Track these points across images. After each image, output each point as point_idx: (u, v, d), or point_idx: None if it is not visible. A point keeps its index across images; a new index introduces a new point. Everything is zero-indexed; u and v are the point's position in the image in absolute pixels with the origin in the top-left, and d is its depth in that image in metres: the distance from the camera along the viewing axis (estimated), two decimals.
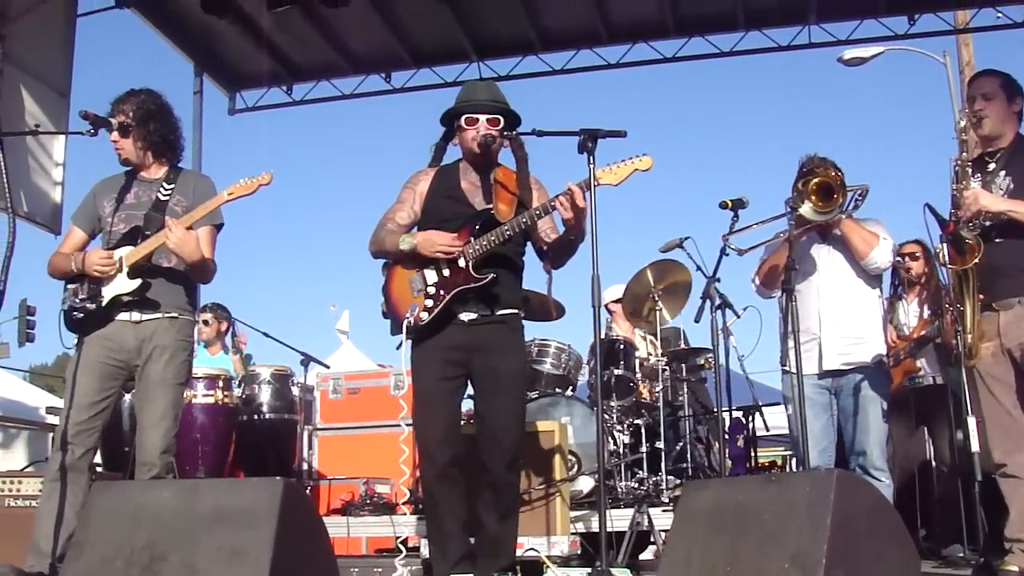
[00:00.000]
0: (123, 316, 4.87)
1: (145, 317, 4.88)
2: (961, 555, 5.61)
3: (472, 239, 4.72)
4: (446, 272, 4.74)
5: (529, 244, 5.00)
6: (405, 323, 4.74)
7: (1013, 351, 4.72)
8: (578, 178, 4.52)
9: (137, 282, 4.84)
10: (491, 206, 4.81)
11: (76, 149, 8.51)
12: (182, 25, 9.78)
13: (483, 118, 4.87)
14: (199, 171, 5.48)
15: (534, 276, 5.05)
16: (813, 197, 5.34)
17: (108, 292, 4.87)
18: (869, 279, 5.61)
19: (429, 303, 4.73)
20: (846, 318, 5.52)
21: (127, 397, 6.20)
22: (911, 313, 6.77)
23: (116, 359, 4.84)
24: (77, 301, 4.90)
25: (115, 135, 4.99)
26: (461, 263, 4.70)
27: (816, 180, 5.34)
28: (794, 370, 5.21)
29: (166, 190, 5.02)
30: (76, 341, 4.89)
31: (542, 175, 4.99)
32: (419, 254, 4.76)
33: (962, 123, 4.87)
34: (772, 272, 5.63)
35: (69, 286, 4.98)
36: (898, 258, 6.45)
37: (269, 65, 10.34)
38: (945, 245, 4.81)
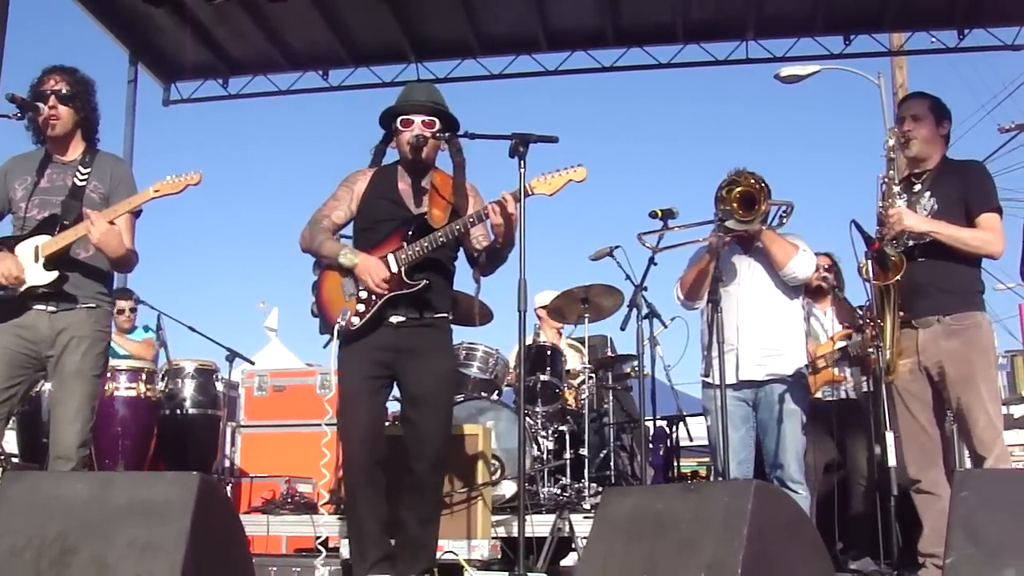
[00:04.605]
0: (39, 306, 4.75)
1: (62, 308, 4.77)
2: (874, 568, 5.68)
3: (405, 244, 4.72)
4: None
5: (461, 250, 5.00)
6: (337, 327, 4.73)
7: (930, 368, 4.79)
8: (512, 181, 4.54)
9: (54, 274, 4.73)
10: (425, 211, 4.81)
11: (1, 133, 8.34)
12: (119, 12, 9.64)
13: (418, 119, 4.86)
14: (119, 156, 5.35)
15: (465, 280, 5.06)
16: (735, 205, 5.38)
17: (20, 284, 4.74)
18: (788, 291, 5.66)
19: (361, 308, 4.72)
20: (764, 329, 5.57)
21: (47, 387, 6.09)
22: (827, 319, 6.82)
23: (29, 348, 4.73)
24: None
25: (52, 100, 4.85)
26: (394, 268, 4.69)
27: (739, 190, 5.39)
28: (716, 382, 5.24)
29: (82, 174, 4.90)
30: None
31: (475, 178, 5.00)
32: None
33: (890, 142, 4.94)
34: (695, 284, 5.68)
35: None
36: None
37: (205, 57, 10.25)
38: (870, 262, 4.87)
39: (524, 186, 4.55)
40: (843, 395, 6.70)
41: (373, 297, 4.71)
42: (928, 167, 5.02)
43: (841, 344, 6.56)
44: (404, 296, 4.72)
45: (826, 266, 6.85)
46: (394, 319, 4.74)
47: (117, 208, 4.78)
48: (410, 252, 4.70)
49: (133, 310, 8.25)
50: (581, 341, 8.09)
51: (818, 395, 6.59)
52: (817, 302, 6.89)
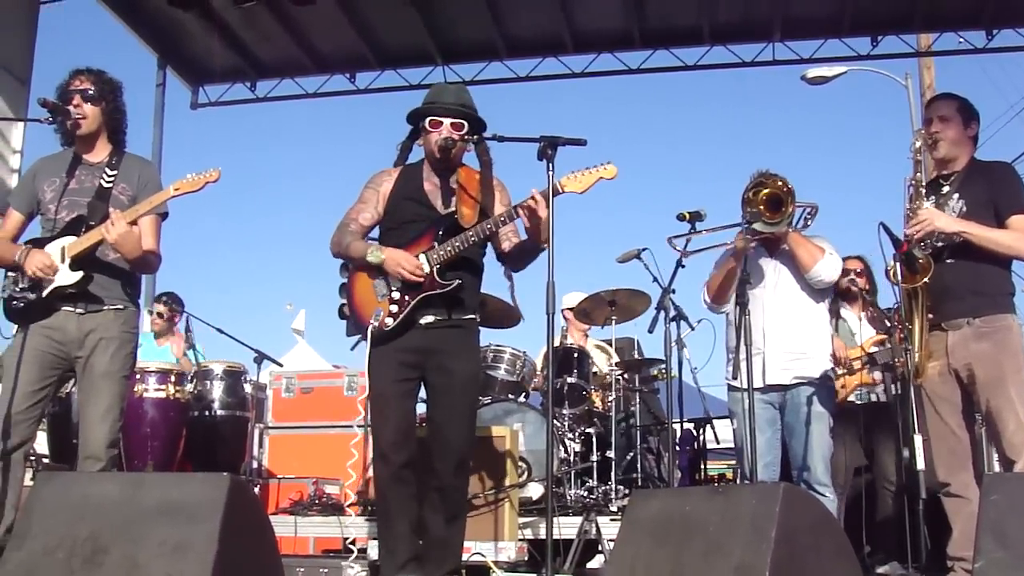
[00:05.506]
0: (67, 307, 4.78)
1: (90, 309, 4.80)
2: (902, 572, 5.65)
3: (436, 244, 4.73)
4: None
5: (489, 247, 5.00)
6: (370, 328, 4.72)
7: (960, 371, 4.76)
8: (540, 184, 4.55)
9: (79, 275, 4.75)
10: (454, 210, 4.82)
11: (34, 137, 8.42)
12: (147, 16, 9.74)
13: (447, 122, 4.87)
14: (147, 159, 5.37)
15: (493, 279, 5.06)
16: (762, 207, 5.36)
17: (49, 283, 4.77)
18: (815, 294, 5.63)
19: (394, 308, 4.73)
20: (790, 333, 5.54)
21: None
22: (859, 324, 6.77)
23: (58, 349, 4.76)
24: (17, 290, 4.80)
25: (77, 100, 4.87)
26: (426, 268, 4.70)
27: (765, 192, 5.37)
28: (742, 385, 5.22)
29: (109, 176, 4.92)
30: (17, 329, 4.81)
31: (504, 180, 5.00)
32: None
33: (917, 143, 4.91)
34: (721, 287, 5.66)
35: (9, 274, 4.88)
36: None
37: (233, 60, 10.31)
38: (898, 264, 4.84)
39: (554, 185, 4.54)
40: (873, 398, 6.66)
41: (406, 297, 4.72)
42: (956, 168, 4.98)
43: (873, 351, 6.52)
44: (436, 296, 4.73)
45: (858, 269, 6.81)
46: (424, 320, 4.74)
47: (138, 208, 4.79)
48: (442, 252, 4.71)
49: (161, 315, 8.33)
50: (608, 342, 8.09)
51: (851, 398, 6.56)
52: (849, 304, 6.86)
